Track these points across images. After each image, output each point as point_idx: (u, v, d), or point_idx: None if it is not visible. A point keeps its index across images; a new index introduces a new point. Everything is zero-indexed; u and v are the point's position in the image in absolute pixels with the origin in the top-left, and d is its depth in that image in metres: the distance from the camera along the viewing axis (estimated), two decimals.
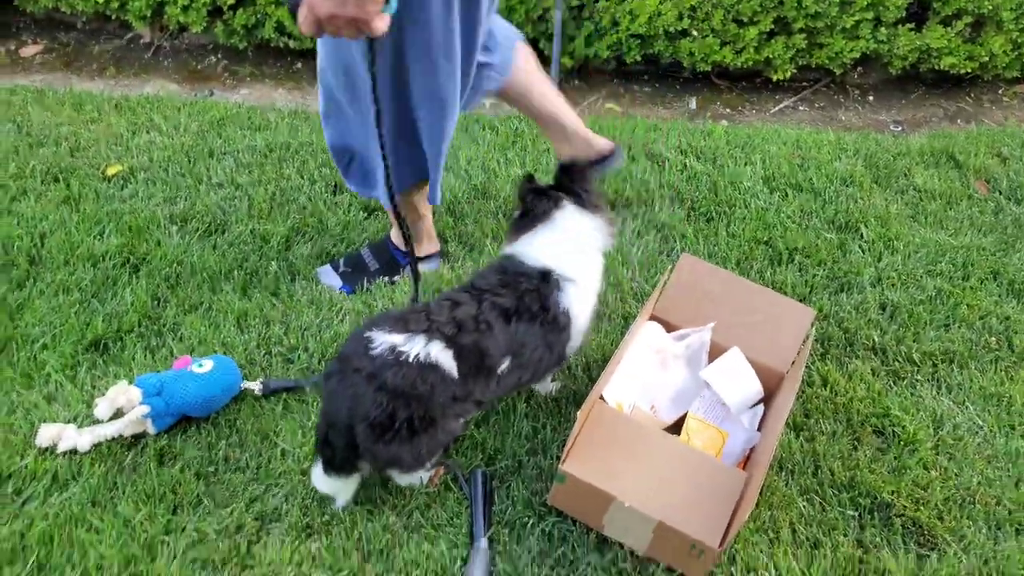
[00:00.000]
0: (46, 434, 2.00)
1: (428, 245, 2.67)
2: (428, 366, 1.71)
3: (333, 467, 1.81)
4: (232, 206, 2.90)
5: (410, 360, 1.70)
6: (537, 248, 1.96)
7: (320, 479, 1.86)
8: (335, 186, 3.04)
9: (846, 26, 3.83)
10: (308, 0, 1.56)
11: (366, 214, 2.90)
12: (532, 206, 2.01)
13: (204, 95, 3.96)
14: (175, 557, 1.80)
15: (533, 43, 4.21)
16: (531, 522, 1.90)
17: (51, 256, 2.62)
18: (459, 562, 1.81)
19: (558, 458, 2.00)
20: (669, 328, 2.22)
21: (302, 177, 3.09)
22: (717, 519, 1.75)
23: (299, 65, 4.28)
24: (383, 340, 1.71)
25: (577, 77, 4.35)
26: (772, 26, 3.86)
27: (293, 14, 1.62)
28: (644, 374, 2.12)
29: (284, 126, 3.48)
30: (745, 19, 3.86)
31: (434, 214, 2.89)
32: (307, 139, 3.34)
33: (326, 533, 1.87)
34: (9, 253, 2.63)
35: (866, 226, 2.92)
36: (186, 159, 3.18)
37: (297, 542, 1.84)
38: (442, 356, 1.74)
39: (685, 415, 2.07)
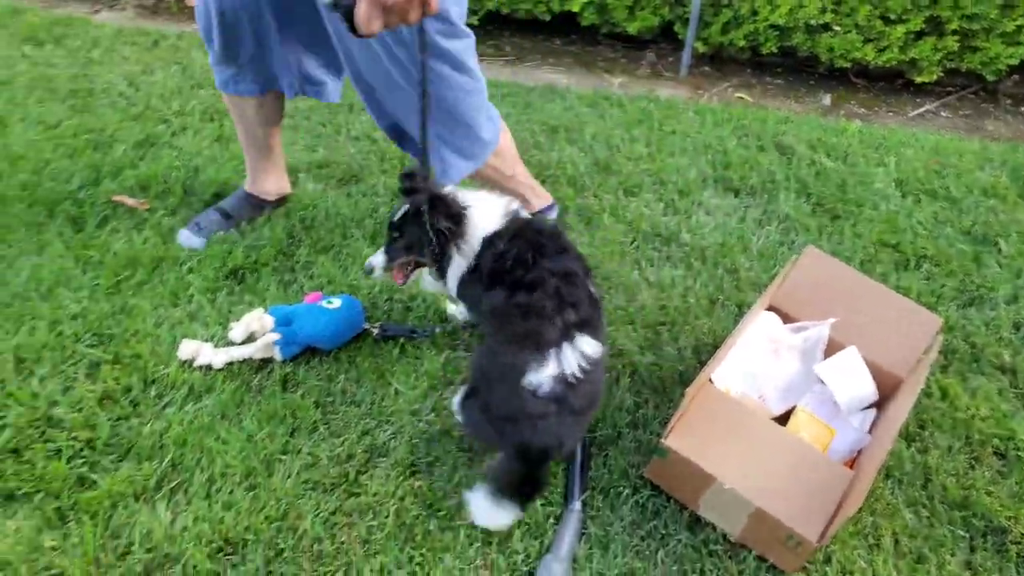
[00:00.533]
0: (186, 349, 2.17)
1: (536, 200, 2.69)
2: (592, 363, 1.73)
3: (530, 498, 1.82)
4: (367, 159, 3.04)
5: (578, 376, 1.70)
6: (498, 204, 1.97)
7: (496, 517, 1.79)
8: None
9: (1006, 30, 3.62)
10: None
11: None
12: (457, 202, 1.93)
13: None
14: (290, 476, 1.92)
15: (667, 26, 4.18)
16: (626, 492, 1.93)
17: (202, 188, 2.83)
18: (552, 520, 1.86)
19: (658, 435, 2.02)
20: (786, 319, 2.19)
21: None
22: (817, 513, 1.73)
23: None
24: (541, 380, 1.68)
25: (709, 63, 4.29)
26: (922, 25, 3.69)
27: (348, 17, 1.48)
28: (756, 362, 2.10)
29: None
30: (893, 16, 3.71)
31: (551, 182, 2.93)
32: None
33: (429, 473, 1.96)
34: (167, 182, 2.86)
35: (1006, 241, 2.77)
36: (327, 111, 3.34)
37: (401, 478, 1.94)
38: (592, 346, 1.75)
39: (793, 408, 2.04)
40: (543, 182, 2.95)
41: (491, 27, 4.42)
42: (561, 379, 1.68)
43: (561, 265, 1.83)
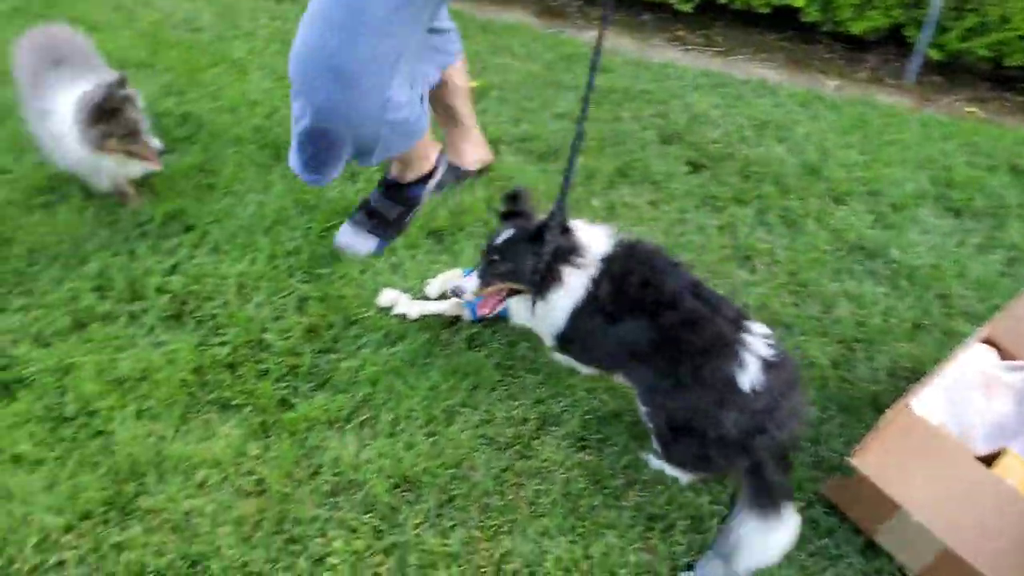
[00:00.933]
0: (386, 297, 2.32)
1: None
2: (772, 338, 1.72)
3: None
4: (567, 138, 3.07)
5: (775, 353, 1.68)
6: (601, 229, 1.90)
7: (782, 532, 1.66)
8: None
9: None
10: None
11: (691, 168, 2.93)
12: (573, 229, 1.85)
13: (555, 31, 4.19)
14: (467, 428, 2.01)
15: (896, 28, 3.90)
16: (799, 505, 1.86)
17: None
18: (716, 519, 1.83)
19: (840, 453, 1.94)
20: (1004, 356, 2.01)
21: (636, 123, 3.19)
22: (1018, 566, 1.59)
23: (645, 16, 4.36)
24: (752, 375, 1.63)
25: (938, 72, 3.96)
26: None
27: None
28: (963, 396, 1.95)
29: (627, 72, 3.59)
30: None
31: (755, 179, 2.85)
32: (646, 88, 3.42)
33: (599, 450, 1.98)
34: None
35: None
36: (535, 86, 3.42)
37: (571, 449, 1.97)
38: (760, 325, 1.73)
39: (1001, 450, 1.87)
40: (746, 178, 2.88)
41: (703, 16, 4.33)
42: (766, 364, 1.65)
43: (683, 277, 1.80)
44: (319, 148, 2.12)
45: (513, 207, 1.94)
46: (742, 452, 1.67)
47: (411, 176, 2.54)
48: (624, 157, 2.98)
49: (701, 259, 2.52)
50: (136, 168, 2.62)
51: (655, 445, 1.85)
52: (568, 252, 1.79)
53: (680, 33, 4.26)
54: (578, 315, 1.83)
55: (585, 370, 2.10)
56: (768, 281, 2.45)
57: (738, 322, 1.70)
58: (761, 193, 2.79)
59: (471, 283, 1.90)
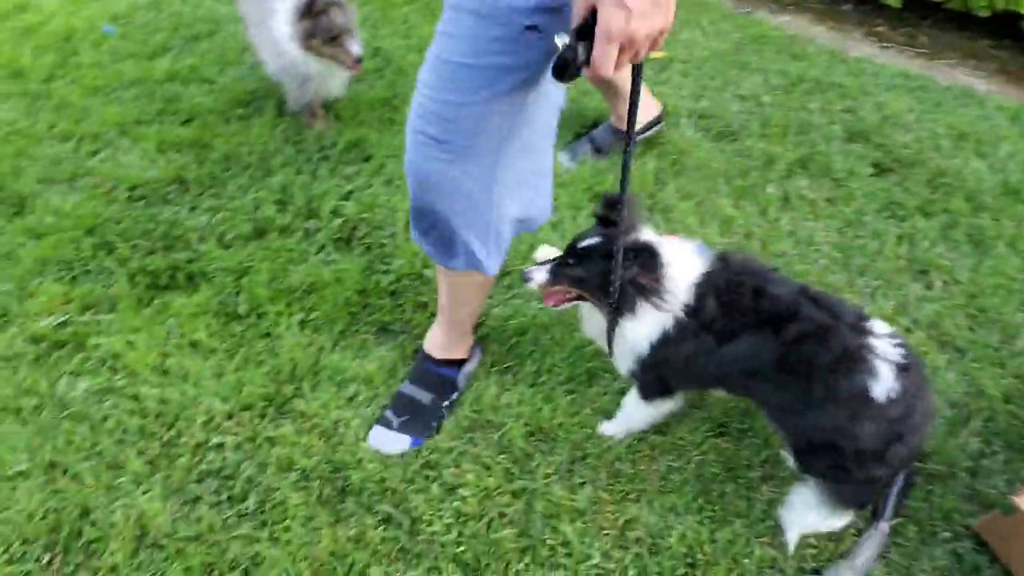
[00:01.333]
0: (542, 253, 2.30)
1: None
2: (896, 335, 1.60)
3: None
4: (748, 120, 2.98)
5: (904, 354, 1.56)
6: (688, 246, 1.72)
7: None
8: None
9: None
10: (616, 29, 1.10)
11: (876, 170, 2.77)
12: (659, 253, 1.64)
13: (747, 11, 4.03)
14: (606, 393, 2.03)
15: None
16: (944, 535, 1.76)
17: (583, 115, 2.99)
18: (852, 530, 1.76)
19: (1001, 491, 1.82)
20: None
21: (823, 115, 3.04)
22: None
23: (846, 7, 4.12)
24: (887, 383, 1.51)
25: None
26: None
27: (570, 65, 1.18)
28: None
29: (821, 62, 3.41)
30: None
31: (944, 191, 2.66)
32: (838, 81, 3.24)
33: (738, 439, 1.94)
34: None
35: None
36: (720, 65, 3.32)
37: (709, 433, 1.94)
38: (881, 324, 1.60)
39: None
40: (935, 189, 2.69)
41: (908, 14, 4.04)
42: (898, 367, 1.52)
43: (789, 283, 1.66)
44: (428, 226, 1.74)
45: (607, 214, 1.74)
46: (880, 463, 1.57)
47: (445, 352, 2.06)
48: (806, 148, 2.84)
49: (874, 265, 2.39)
50: (338, 82, 2.77)
51: (789, 451, 1.78)
52: (650, 291, 1.61)
53: (880, 29, 4.00)
54: (669, 342, 1.68)
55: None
56: (944, 299, 2.29)
57: (860, 326, 1.57)
58: (950, 207, 2.60)
59: (540, 275, 1.76)
